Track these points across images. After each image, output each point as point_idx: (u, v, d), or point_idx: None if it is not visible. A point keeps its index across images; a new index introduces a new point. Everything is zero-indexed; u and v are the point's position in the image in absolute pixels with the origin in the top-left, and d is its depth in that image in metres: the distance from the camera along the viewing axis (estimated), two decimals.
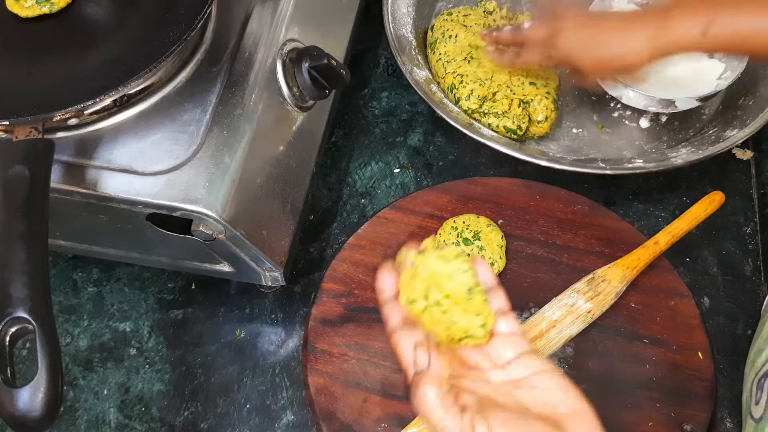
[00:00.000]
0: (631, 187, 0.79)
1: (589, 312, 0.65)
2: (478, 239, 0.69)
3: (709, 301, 0.72)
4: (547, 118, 0.77)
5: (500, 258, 0.69)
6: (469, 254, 0.67)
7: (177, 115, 0.59)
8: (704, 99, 0.77)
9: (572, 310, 0.65)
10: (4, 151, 0.51)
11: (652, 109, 0.79)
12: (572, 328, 0.65)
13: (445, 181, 0.77)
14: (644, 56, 0.63)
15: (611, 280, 0.66)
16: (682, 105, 0.77)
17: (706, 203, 0.71)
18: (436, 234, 0.70)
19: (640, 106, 0.79)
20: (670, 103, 0.76)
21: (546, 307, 0.65)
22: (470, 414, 0.40)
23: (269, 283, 0.68)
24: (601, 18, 0.70)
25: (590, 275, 0.66)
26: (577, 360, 0.65)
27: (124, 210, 0.57)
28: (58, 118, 0.55)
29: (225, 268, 0.66)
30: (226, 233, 0.58)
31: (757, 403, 0.58)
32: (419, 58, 0.81)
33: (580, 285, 0.66)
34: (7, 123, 0.53)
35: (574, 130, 0.81)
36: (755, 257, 0.75)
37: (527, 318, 0.66)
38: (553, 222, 0.72)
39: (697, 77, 0.79)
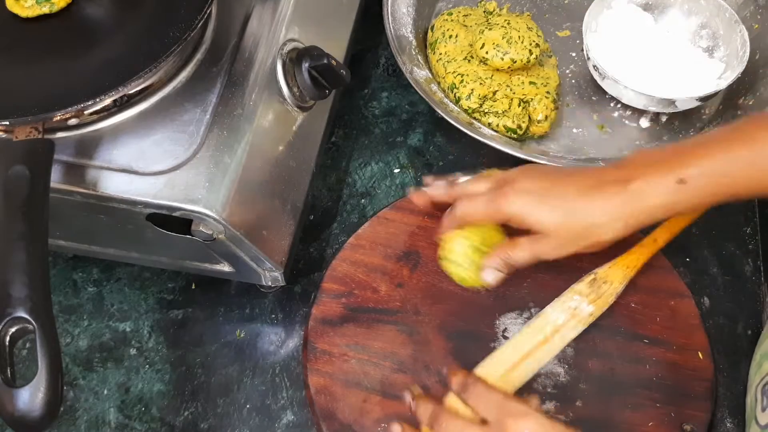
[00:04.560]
0: None
1: (590, 315, 0.65)
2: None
3: (709, 301, 0.72)
4: (547, 117, 0.77)
5: None
6: None
7: (177, 115, 0.59)
8: (704, 99, 0.77)
9: (575, 313, 0.65)
10: (4, 151, 0.51)
11: (652, 108, 0.79)
12: (573, 331, 0.65)
13: None
14: (619, 231, 0.55)
15: (612, 281, 0.66)
16: (682, 105, 0.77)
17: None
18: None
19: (640, 106, 0.79)
20: (670, 102, 0.76)
21: (548, 309, 0.65)
22: None
23: (269, 283, 0.68)
24: (558, 177, 0.58)
25: (591, 275, 0.66)
26: (577, 360, 0.65)
27: (124, 210, 0.57)
28: (58, 118, 0.55)
29: (225, 268, 0.66)
30: (226, 233, 0.58)
31: (763, 410, 0.58)
32: (419, 58, 0.81)
33: (582, 287, 0.66)
34: (7, 123, 0.54)
35: (575, 130, 0.81)
36: (755, 257, 0.75)
37: (527, 318, 0.66)
38: None
39: (697, 77, 0.79)
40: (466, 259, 0.61)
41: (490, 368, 0.61)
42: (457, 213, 0.60)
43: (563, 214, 0.55)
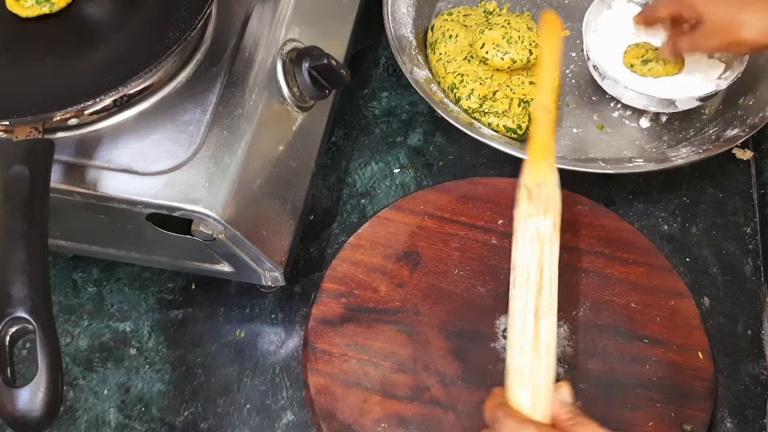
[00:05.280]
0: (631, 187, 0.79)
1: (554, 227, 0.56)
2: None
3: (709, 301, 0.72)
4: None
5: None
6: None
7: (177, 115, 0.59)
8: (704, 99, 0.77)
9: (541, 237, 0.55)
10: (4, 151, 0.51)
11: (652, 108, 0.79)
12: (555, 254, 0.56)
13: (445, 181, 0.77)
14: (758, 33, 0.67)
15: (546, 180, 0.57)
16: (682, 105, 0.77)
17: (547, 29, 0.62)
18: None
19: (640, 106, 0.79)
20: (670, 102, 0.76)
21: (518, 256, 0.55)
22: None
23: (269, 283, 0.68)
24: None
25: (522, 191, 0.57)
26: (577, 360, 0.65)
27: (124, 210, 0.57)
28: (58, 118, 0.55)
29: (225, 268, 0.66)
30: (226, 233, 0.58)
31: None
32: (419, 58, 0.81)
33: (525, 209, 0.56)
34: (7, 123, 0.54)
35: (575, 130, 0.81)
36: (755, 257, 0.75)
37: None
38: None
39: (697, 77, 0.79)
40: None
41: (525, 349, 0.53)
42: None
43: (722, 5, 0.69)
